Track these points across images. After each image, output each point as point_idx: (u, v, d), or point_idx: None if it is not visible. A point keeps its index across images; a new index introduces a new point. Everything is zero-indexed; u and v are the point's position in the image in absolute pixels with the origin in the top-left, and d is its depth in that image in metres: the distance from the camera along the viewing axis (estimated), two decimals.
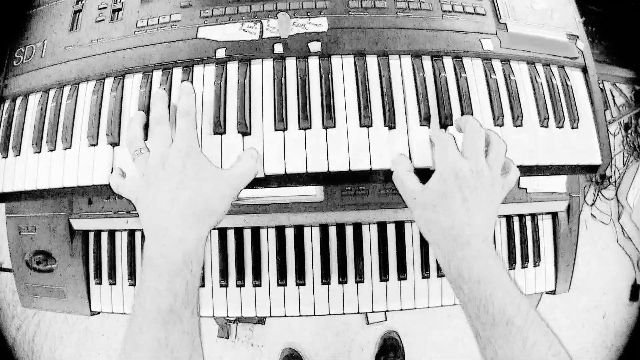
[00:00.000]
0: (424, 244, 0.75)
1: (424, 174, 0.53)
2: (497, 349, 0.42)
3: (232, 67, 0.58)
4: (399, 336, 1.61)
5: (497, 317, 0.43)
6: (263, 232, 0.75)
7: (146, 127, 0.54)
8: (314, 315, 0.74)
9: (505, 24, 0.62)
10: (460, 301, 0.47)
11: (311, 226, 0.74)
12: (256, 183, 0.54)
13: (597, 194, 1.81)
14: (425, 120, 0.56)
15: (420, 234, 0.75)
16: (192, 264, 0.45)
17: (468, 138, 0.49)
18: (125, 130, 0.56)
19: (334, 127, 0.55)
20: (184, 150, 0.48)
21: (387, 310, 0.75)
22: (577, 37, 0.64)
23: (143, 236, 0.75)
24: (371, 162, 0.54)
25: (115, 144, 0.57)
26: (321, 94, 0.56)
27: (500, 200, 0.50)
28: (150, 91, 0.58)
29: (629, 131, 1.83)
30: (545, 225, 0.81)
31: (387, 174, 0.55)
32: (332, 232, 0.74)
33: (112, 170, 0.55)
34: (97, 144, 0.58)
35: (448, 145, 0.49)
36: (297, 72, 0.57)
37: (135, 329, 0.43)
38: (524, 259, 0.78)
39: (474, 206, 0.47)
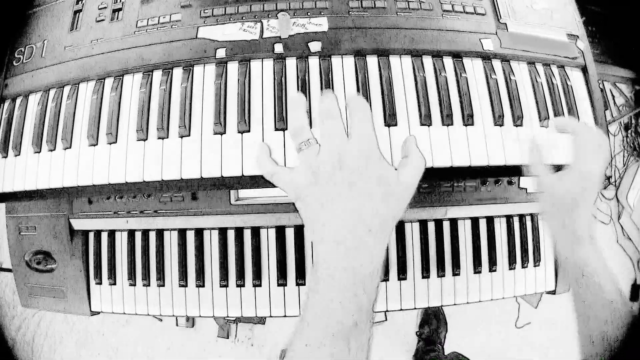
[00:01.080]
0: (424, 244, 0.75)
1: (425, 173, 0.52)
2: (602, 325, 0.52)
3: (232, 67, 0.58)
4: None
5: (608, 301, 0.52)
6: (263, 232, 0.75)
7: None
8: None
9: (506, 23, 0.62)
10: (577, 288, 0.55)
11: None
12: (257, 183, 0.54)
13: (597, 194, 1.81)
14: (426, 119, 0.56)
15: (420, 233, 0.75)
16: (377, 276, 0.41)
17: (588, 141, 0.55)
18: (288, 116, 0.52)
19: None
20: (365, 150, 0.42)
21: (387, 311, 0.75)
22: (577, 37, 0.64)
23: (145, 235, 0.75)
24: None
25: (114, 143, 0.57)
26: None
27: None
28: (150, 91, 0.58)
29: (629, 131, 1.83)
30: (546, 225, 0.81)
31: None
32: None
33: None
34: (97, 144, 0.58)
35: (599, 147, 0.54)
36: (297, 72, 0.57)
37: (312, 343, 0.39)
38: (524, 259, 0.78)
39: (592, 206, 0.55)
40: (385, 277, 0.74)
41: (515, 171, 0.58)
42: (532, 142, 0.58)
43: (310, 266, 0.74)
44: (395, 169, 0.43)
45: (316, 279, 0.40)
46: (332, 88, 0.57)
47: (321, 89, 0.56)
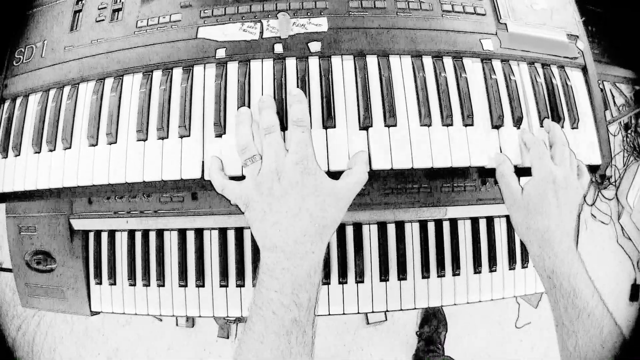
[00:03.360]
0: (424, 244, 0.75)
1: (426, 173, 0.53)
2: (578, 339, 0.49)
3: (232, 67, 0.58)
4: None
5: (582, 309, 0.49)
6: None
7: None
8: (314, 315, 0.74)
9: (505, 24, 0.62)
10: (551, 296, 0.53)
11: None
12: None
13: (597, 194, 1.81)
14: (426, 119, 0.56)
15: (420, 233, 0.75)
16: (315, 276, 0.46)
17: (558, 146, 0.56)
18: (236, 133, 0.52)
19: (334, 127, 0.55)
20: (301, 162, 0.46)
21: (387, 311, 0.75)
22: (577, 37, 0.64)
23: (145, 235, 0.75)
24: (371, 162, 0.54)
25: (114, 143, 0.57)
26: (321, 94, 0.56)
27: (581, 201, 0.57)
28: (150, 91, 0.58)
29: (629, 131, 1.83)
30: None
31: (387, 174, 0.55)
32: None
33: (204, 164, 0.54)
34: (97, 144, 0.58)
35: (544, 152, 0.55)
36: (297, 72, 0.57)
37: (256, 339, 0.43)
38: (524, 259, 0.78)
39: (566, 210, 0.54)
40: (385, 277, 0.74)
41: (515, 172, 0.58)
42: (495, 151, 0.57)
43: None
44: (331, 180, 0.48)
45: (259, 280, 0.46)
46: (332, 88, 0.56)
47: (321, 89, 0.56)
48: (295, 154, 0.47)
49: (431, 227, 0.76)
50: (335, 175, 0.52)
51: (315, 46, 0.58)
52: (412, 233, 0.76)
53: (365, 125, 0.55)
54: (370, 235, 0.75)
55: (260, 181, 0.47)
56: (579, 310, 0.49)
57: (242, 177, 0.50)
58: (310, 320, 0.45)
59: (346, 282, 0.74)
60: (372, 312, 0.75)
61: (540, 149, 0.55)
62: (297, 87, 0.56)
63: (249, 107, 0.55)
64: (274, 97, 0.56)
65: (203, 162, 0.54)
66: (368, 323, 1.61)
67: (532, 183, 0.55)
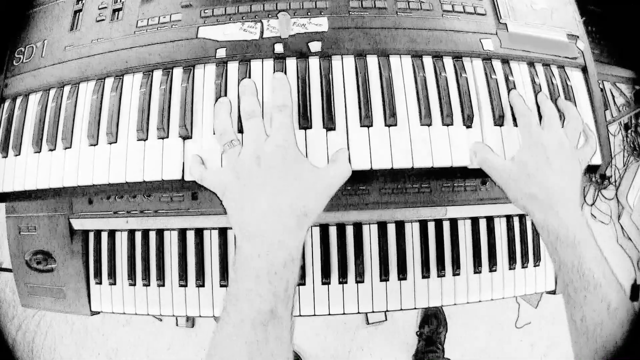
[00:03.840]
0: (424, 244, 0.75)
1: (426, 173, 0.53)
2: (585, 312, 0.46)
3: (233, 67, 0.58)
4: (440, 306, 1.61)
5: (589, 280, 0.46)
6: None
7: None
8: (314, 315, 0.74)
9: (506, 24, 0.62)
10: (556, 264, 0.51)
11: (311, 226, 0.74)
12: None
13: (597, 194, 1.81)
14: (426, 119, 0.56)
15: (420, 233, 0.75)
16: (292, 265, 0.44)
17: (546, 114, 0.55)
18: (211, 119, 0.52)
19: (334, 127, 0.55)
20: (282, 146, 0.45)
21: (387, 311, 0.75)
22: (577, 37, 0.64)
23: (145, 235, 0.75)
24: (372, 161, 0.54)
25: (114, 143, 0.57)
26: (321, 94, 0.56)
27: (580, 171, 0.54)
28: (150, 91, 0.58)
29: (629, 131, 1.83)
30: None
31: (387, 174, 0.55)
32: (333, 232, 0.74)
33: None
34: (97, 144, 0.58)
35: (532, 119, 0.54)
36: (297, 72, 0.57)
37: (231, 331, 0.41)
38: (524, 259, 0.78)
39: (563, 172, 0.52)
40: (385, 277, 0.74)
41: None
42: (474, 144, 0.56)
43: (310, 266, 0.74)
44: (314, 166, 0.46)
45: (235, 269, 0.43)
46: (333, 88, 0.56)
47: (321, 89, 0.56)
48: (276, 138, 0.45)
49: (431, 227, 0.76)
50: None
51: (315, 46, 0.58)
52: (412, 233, 0.76)
53: (365, 124, 0.55)
54: (370, 235, 0.75)
55: (238, 165, 0.45)
56: (586, 280, 0.47)
57: None
58: (287, 311, 0.43)
59: (346, 282, 0.74)
60: (372, 312, 0.75)
61: (527, 116, 0.55)
62: (297, 86, 0.56)
63: None
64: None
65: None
66: (368, 323, 1.61)
67: (523, 150, 0.54)
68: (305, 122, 0.55)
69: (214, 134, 0.49)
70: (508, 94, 0.59)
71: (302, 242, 0.46)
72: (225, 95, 0.56)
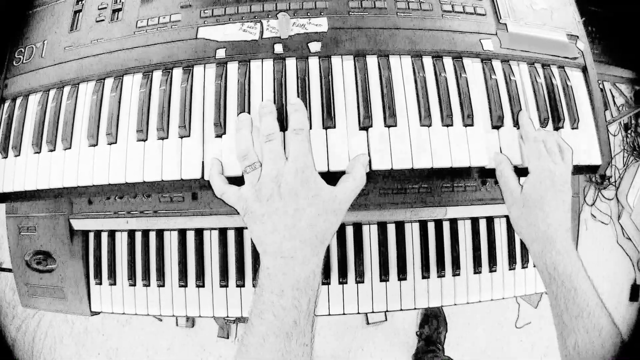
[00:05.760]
0: (423, 244, 0.75)
1: (426, 173, 0.52)
2: (578, 339, 0.49)
3: (232, 67, 0.58)
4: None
5: (583, 308, 0.50)
6: None
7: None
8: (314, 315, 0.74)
9: (505, 24, 0.62)
10: (552, 294, 0.54)
11: None
12: None
13: (597, 194, 1.81)
14: (426, 120, 0.56)
15: (420, 233, 0.75)
16: (314, 281, 0.47)
17: (549, 147, 0.56)
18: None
19: (334, 127, 0.55)
20: (300, 170, 0.47)
21: (387, 311, 0.75)
22: (577, 37, 0.64)
23: (145, 235, 0.75)
24: (371, 162, 0.54)
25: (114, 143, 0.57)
26: (321, 94, 0.56)
27: (571, 197, 0.58)
28: (150, 91, 0.58)
29: (629, 131, 1.83)
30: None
31: (388, 174, 0.55)
32: None
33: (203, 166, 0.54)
34: (97, 144, 0.58)
35: (541, 150, 0.56)
36: (297, 72, 0.57)
37: (258, 340, 0.43)
38: (524, 259, 0.78)
39: (563, 207, 0.55)
40: (385, 278, 0.74)
41: (516, 172, 0.58)
42: (495, 151, 0.58)
43: None
44: (330, 187, 0.49)
45: (260, 284, 0.46)
46: (332, 88, 0.56)
47: (321, 89, 0.56)
48: (294, 162, 0.48)
49: (431, 227, 0.76)
50: (334, 175, 0.52)
51: (315, 46, 0.58)
52: (412, 233, 0.76)
53: (365, 125, 0.55)
54: (370, 235, 0.75)
55: (259, 189, 0.48)
56: (580, 309, 0.50)
57: (241, 178, 0.50)
58: (309, 323, 0.45)
59: (346, 282, 0.74)
60: (372, 312, 0.75)
61: (537, 146, 0.56)
62: (297, 86, 0.56)
63: (249, 107, 0.56)
64: (274, 97, 0.56)
65: (203, 162, 0.54)
66: (368, 323, 1.61)
67: (531, 181, 0.56)
68: None
69: (236, 153, 0.51)
70: (508, 97, 0.59)
71: (322, 257, 0.49)
72: (225, 95, 0.56)
